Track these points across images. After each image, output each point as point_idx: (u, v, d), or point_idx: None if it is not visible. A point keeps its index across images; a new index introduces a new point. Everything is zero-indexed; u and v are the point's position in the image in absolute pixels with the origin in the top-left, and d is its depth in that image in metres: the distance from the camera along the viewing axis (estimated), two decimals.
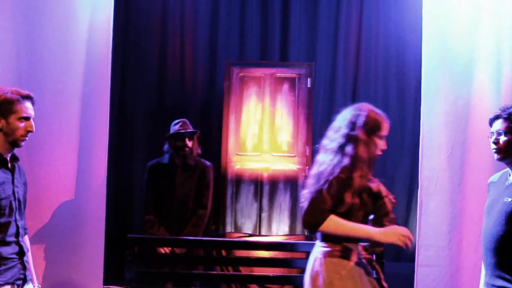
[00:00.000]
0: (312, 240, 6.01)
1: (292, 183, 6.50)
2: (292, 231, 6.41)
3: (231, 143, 6.50)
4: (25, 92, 3.09)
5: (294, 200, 6.48)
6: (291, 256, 5.09)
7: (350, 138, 3.07)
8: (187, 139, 4.84)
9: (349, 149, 3.04)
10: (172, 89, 7.25)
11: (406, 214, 7.07)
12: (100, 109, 4.38)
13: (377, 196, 3.10)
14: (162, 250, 4.77)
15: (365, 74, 7.37)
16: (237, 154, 6.51)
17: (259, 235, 6.37)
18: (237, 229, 6.47)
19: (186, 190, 4.88)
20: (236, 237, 6.19)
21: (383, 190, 3.13)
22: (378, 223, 3.09)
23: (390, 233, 2.97)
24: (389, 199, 3.13)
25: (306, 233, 6.38)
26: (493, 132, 3.09)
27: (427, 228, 4.26)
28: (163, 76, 7.28)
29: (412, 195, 6.94)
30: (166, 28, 7.27)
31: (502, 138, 3.03)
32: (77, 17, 4.31)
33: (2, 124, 3.00)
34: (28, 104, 3.07)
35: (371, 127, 3.10)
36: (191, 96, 7.24)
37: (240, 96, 6.52)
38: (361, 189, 3.03)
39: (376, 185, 3.11)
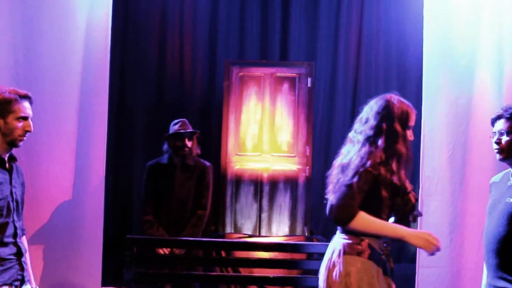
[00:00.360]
0: (312, 240, 6.01)
1: (292, 184, 6.47)
2: (292, 232, 6.38)
3: (230, 143, 6.47)
4: (23, 91, 3.08)
5: (294, 200, 6.45)
6: (291, 257, 5.07)
7: (380, 131, 2.98)
8: (186, 139, 4.81)
9: (380, 142, 2.96)
10: (172, 89, 7.22)
11: None
12: (99, 109, 4.38)
13: (403, 192, 3.02)
14: (161, 251, 4.73)
15: (366, 73, 7.34)
16: (236, 154, 6.49)
17: (259, 236, 6.34)
18: (236, 229, 6.44)
19: (185, 191, 4.85)
20: (235, 237, 6.17)
21: (408, 185, 3.04)
22: (402, 219, 3.03)
23: (423, 238, 2.88)
24: (413, 195, 3.05)
25: (306, 234, 6.36)
26: (495, 132, 3.08)
27: (428, 229, 4.21)
28: (162, 76, 7.25)
29: None
30: (166, 27, 7.24)
31: (504, 138, 3.02)
32: (75, 16, 4.31)
33: (0, 124, 2.98)
34: (26, 104, 3.05)
35: (404, 119, 3.02)
36: (190, 95, 7.22)
37: (240, 96, 6.49)
38: (391, 184, 2.96)
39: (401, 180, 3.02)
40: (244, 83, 6.51)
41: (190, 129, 4.88)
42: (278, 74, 6.53)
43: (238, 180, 6.49)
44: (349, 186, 2.88)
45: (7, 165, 3.04)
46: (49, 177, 4.25)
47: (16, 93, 3.03)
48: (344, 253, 2.97)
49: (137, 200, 6.84)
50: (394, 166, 2.96)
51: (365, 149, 2.97)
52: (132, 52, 7.17)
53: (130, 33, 7.17)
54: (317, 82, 6.91)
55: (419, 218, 4.26)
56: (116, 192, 7.05)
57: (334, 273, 2.97)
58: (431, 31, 4.34)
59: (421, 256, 4.25)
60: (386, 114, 3.01)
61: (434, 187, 4.26)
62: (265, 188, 6.48)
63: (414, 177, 6.51)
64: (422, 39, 4.40)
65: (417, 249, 4.25)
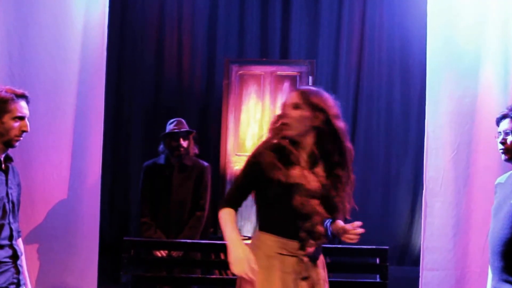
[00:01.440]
0: None
1: None
2: None
3: (230, 143, 6.44)
4: (20, 91, 3.05)
5: None
6: None
7: None
8: (181, 139, 4.75)
9: None
10: (170, 88, 7.21)
11: (411, 216, 7.02)
12: (95, 109, 4.37)
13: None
14: (158, 253, 4.70)
15: (368, 71, 7.31)
16: (236, 155, 6.45)
17: None
18: None
19: (183, 192, 4.79)
20: None
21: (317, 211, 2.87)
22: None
23: (241, 260, 2.72)
24: (317, 225, 2.86)
25: None
26: (500, 132, 3.05)
27: (432, 230, 4.22)
28: (160, 74, 7.24)
29: (417, 196, 6.89)
30: (164, 25, 7.23)
31: (510, 138, 3.00)
32: (71, 14, 4.31)
33: None
34: (22, 103, 3.03)
35: None
36: (189, 94, 7.21)
37: (239, 95, 6.46)
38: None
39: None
40: (244, 81, 6.48)
41: (185, 128, 4.82)
42: (279, 72, 6.50)
43: None
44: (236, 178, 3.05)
45: (3, 165, 3.00)
46: (45, 177, 4.23)
47: (13, 92, 3.01)
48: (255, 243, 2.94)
49: (135, 202, 6.81)
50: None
51: None
52: (129, 50, 7.17)
53: (127, 30, 7.17)
54: (318, 81, 6.87)
55: (422, 221, 4.21)
56: (113, 193, 7.05)
57: None
58: (435, 28, 4.31)
59: (425, 259, 4.21)
60: None
61: (438, 188, 4.22)
62: None
63: (418, 177, 6.53)
64: (426, 36, 4.35)
65: (421, 250, 4.22)
